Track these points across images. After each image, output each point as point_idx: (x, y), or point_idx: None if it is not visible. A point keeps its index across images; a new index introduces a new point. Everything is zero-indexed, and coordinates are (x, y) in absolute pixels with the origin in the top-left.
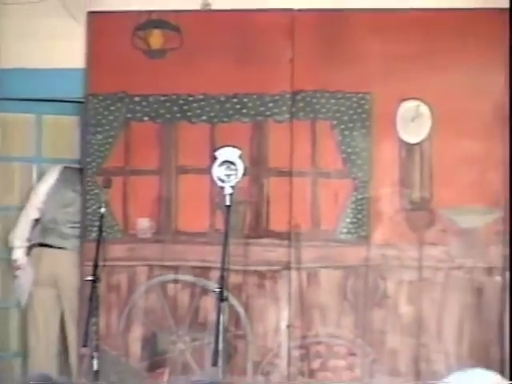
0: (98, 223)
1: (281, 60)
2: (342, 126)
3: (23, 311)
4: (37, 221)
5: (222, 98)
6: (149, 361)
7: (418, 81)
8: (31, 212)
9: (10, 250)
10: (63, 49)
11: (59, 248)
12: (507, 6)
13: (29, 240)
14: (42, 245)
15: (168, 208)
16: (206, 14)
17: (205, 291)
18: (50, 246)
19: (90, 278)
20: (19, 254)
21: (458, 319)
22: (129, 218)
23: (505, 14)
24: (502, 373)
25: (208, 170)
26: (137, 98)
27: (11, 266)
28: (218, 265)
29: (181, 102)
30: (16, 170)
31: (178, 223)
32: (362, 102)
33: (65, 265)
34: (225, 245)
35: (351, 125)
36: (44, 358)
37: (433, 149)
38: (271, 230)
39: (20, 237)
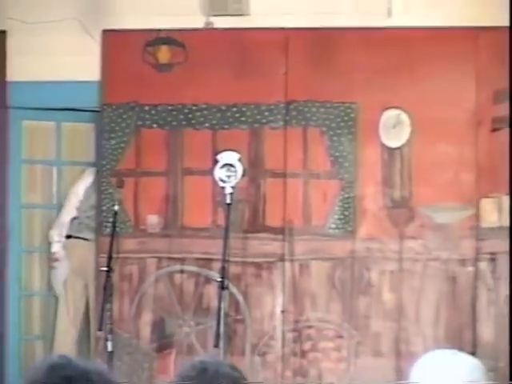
0: (111, 219)
1: (275, 73)
2: (331, 133)
3: (56, 298)
4: (74, 218)
5: (223, 107)
6: (157, 343)
7: (398, 92)
8: (71, 210)
9: (42, 243)
10: (81, 63)
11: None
12: (479, 24)
13: (67, 235)
14: (76, 237)
15: (175, 206)
16: (209, 32)
17: (208, 280)
18: (83, 239)
19: (104, 268)
20: (57, 248)
21: (434, 305)
22: (139, 215)
23: (474, 32)
24: (473, 353)
25: (210, 172)
26: (146, 107)
27: (45, 258)
28: (220, 257)
29: (186, 110)
30: (38, 171)
31: (184, 219)
32: (349, 110)
33: (93, 256)
34: (225, 239)
35: (339, 131)
36: (69, 342)
37: (412, 153)
38: (267, 225)
39: (59, 232)
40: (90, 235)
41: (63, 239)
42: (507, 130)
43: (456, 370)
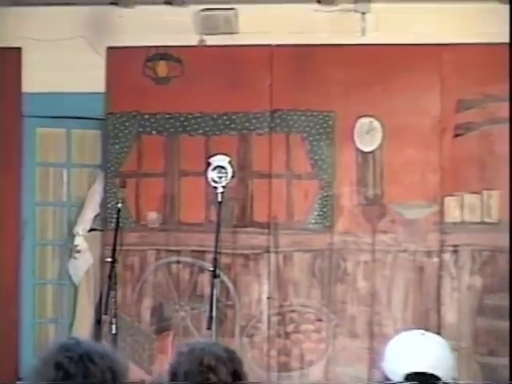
0: (115, 216)
1: (261, 85)
2: (311, 138)
3: (71, 286)
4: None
5: (215, 116)
6: (157, 325)
7: (371, 102)
8: (95, 207)
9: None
10: (88, 76)
11: None
12: (442, 42)
13: (90, 229)
14: (100, 230)
15: (172, 203)
16: (202, 48)
17: (201, 270)
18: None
19: (109, 259)
20: (80, 241)
21: (403, 292)
22: (140, 212)
23: (438, 49)
24: (438, 334)
25: (204, 173)
26: (146, 116)
27: (57, 250)
28: (212, 249)
29: (182, 118)
30: (50, 173)
31: (180, 215)
32: (327, 118)
33: None
34: (217, 233)
35: (318, 137)
36: (87, 325)
37: (383, 156)
38: (254, 220)
39: (83, 227)
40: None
41: (86, 233)
42: (468, 135)
43: (427, 347)
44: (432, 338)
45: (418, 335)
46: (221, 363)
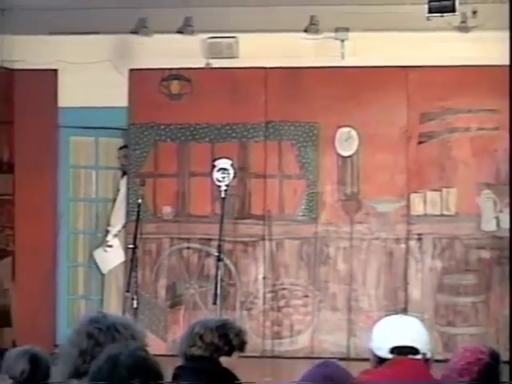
0: (136, 209)
1: (258, 101)
2: (299, 145)
3: (103, 275)
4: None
5: (219, 126)
6: (170, 301)
7: (349, 114)
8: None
9: (84, 227)
10: (113, 93)
11: None
12: (408, 64)
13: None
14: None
15: (183, 199)
16: (208, 70)
17: (208, 254)
18: None
19: (131, 246)
20: (111, 237)
21: (376, 273)
22: (157, 206)
23: (405, 70)
24: (405, 308)
25: (210, 174)
26: (162, 126)
27: (88, 238)
28: (217, 237)
29: (191, 128)
30: (81, 174)
31: (190, 209)
32: (312, 128)
33: None
34: (221, 223)
35: (305, 144)
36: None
37: (359, 160)
38: (252, 213)
39: (115, 226)
40: None
41: (118, 232)
42: (430, 142)
43: (406, 326)
44: (410, 319)
45: (397, 317)
46: (207, 330)
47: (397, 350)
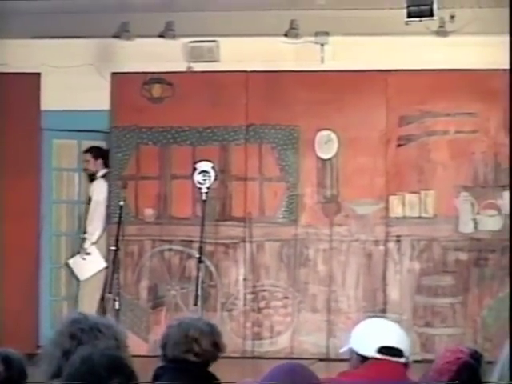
0: (118, 211)
1: (238, 104)
2: (279, 148)
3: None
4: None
5: (200, 129)
6: (152, 302)
7: (329, 118)
8: (103, 218)
9: (67, 229)
10: (95, 96)
11: None
12: (387, 68)
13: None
14: None
15: (165, 201)
16: (190, 74)
17: (189, 256)
18: None
19: (113, 247)
20: (89, 245)
21: (355, 274)
22: (139, 208)
23: (383, 74)
24: (384, 309)
25: (191, 177)
26: (144, 130)
27: (70, 240)
28: (198, 239)
29: (173, 131)
30: (64, 176)
31: (172, 211)
32: (293, 131)
33: None
34: (202, 225)
35: (285, 146)
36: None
37: (339, 162)
38: (233, 215)
39: (93, 233)
40: None
41: (95, 240)
42: (409, 145)
43: (391, 328)
44: (392, 323)
45: (381, 320)
46: (204, 335)
47: (384, 350)
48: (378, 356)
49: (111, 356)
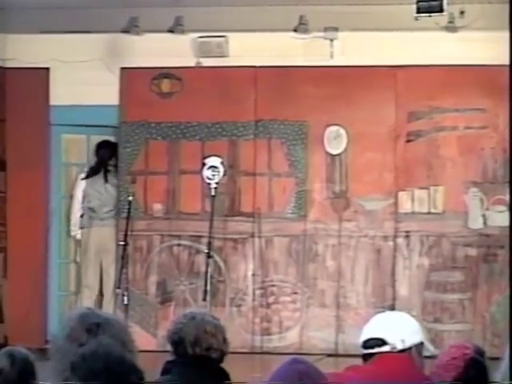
0: (127, 207)
1: (247, 99)
2: (288, 143)
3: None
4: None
5: (209, 124)
6: (161, 297)
7: (338, 113)
8: (79, 208)
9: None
10: (104, 91)
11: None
12: (396, 63)
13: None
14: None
15: (173, 196)
16: (199, 69)
17: (198, 251)
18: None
19: (122, 243)
20: (75, 233)
21: (364, 270)
22: (148, 203)
23: (393, 69)
24: (393, 305)
25: (200, 172)
26: (153, 124)
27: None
28: (207, 234)
29: (182, 127)
30: (73, 171)
31: (180, 206)
32: (302, 126)
33: (107, 238)
34: (211, 221)
35: (294, 142)
36: (93, 297)
37: (348, 158)
38: (242, 211)
39: (75, 228)
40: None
41: (78, 232)
42: (418, 141)
43: (381, 319)
44: (389, 313)
45: (392, 313)
46: (218, 331)
47: (366, 344)
48: (364, 351)
49: (126, 353)
